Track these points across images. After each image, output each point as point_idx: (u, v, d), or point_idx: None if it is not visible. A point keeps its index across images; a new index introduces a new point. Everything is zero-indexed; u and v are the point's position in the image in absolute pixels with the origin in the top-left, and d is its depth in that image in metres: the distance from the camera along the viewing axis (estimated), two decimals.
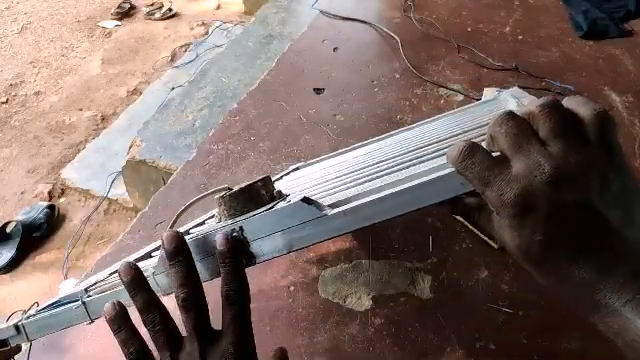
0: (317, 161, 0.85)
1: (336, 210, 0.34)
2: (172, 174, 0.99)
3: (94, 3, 3.03)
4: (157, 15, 2.86)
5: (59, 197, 1.88)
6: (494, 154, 0.31)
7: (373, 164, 0.50)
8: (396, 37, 1.27)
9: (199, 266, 0.38)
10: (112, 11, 2.91)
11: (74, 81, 2.46)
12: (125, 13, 2.90)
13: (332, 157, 0.82)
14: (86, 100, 2.34)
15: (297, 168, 0.86)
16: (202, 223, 0.50)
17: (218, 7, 2.94)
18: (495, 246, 0.77)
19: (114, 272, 0.45)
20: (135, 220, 0.90)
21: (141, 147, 1.37)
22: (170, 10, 2.89)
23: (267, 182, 0.40)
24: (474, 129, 0.52)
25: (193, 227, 0.45)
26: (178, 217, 0.40)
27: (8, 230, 1.72)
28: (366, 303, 0.71)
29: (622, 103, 1.09)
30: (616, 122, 0.31)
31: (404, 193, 0.33)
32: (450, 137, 0.51)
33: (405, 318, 0.69)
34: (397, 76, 1.18)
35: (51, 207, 1.78)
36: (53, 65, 2.57)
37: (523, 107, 0.32)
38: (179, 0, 3.00)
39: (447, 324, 0.69)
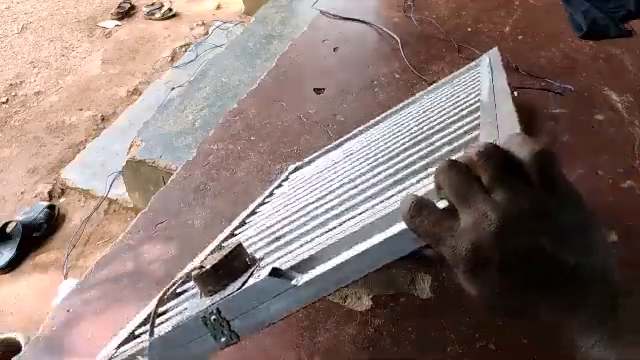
0: (315, 157, 0.84)
1: (304, 280, 0.34)
2: (172, 174, 0.99)
3: (94, 3, 3.02)
4: (157, 15, 2.86)
5: (59, 197, 1.88)
6: (442, 203, 0.31)
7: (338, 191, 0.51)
8: (396, 37, 1.27)
9: (177, 356, 0.38)
10: (112, 11, 2.90)
11: (74, 81, 2.46)
12: (125, 13, 2.90)
13: (328, 152, 0.82)
14: (86, 100, 2.34)
15: (296, 169, 0.86)
16: (180, 293, 0.50)
17: (218, 7, 2.94)
18: None
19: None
20: (135, 220, 0.90)
21: (141, 147, 1.37)
22: (170, 10, 2.89)
23: (239, 250, 0.40)
24: (446, 120, 0.54)
25: (172, 292, 0.44)
26: (161, 301, 0.40)
27: (8, 230, 1.71)
28: (366, 303, 0.71)
29: (622, 103, 1.09)
30: (557, 159, 0.30)
31: (364, 256, 0.33)
32: (423, 134, 0.52)
33: (405, 318, 0.69)
34: (397, 76, 1.18)
35: (51, 207, 1.78)
36: (53, 65, 2.56)
37: (465, 152, 0.31)
38: (179, 0, 3.00)
39: (447, 324, 0.69)
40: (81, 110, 2.29)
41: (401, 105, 0.80)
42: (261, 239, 0.52)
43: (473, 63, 0.74)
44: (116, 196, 1.77)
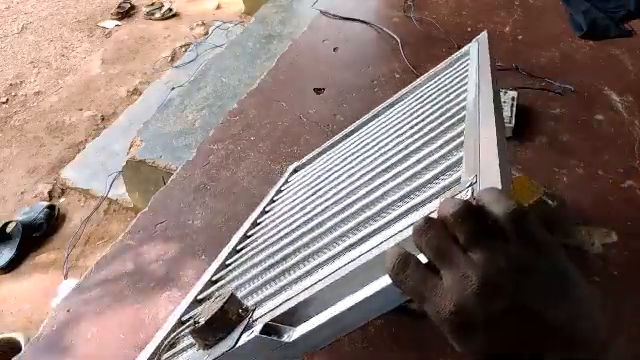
0: (313, 157, 0.84)
1: (295, 337, 0.35)
2: (172, 174, 0.99)
3: (94, 3, 3.02)
4: (157, 15, 2.86)
5: (59, 197, 1.88)
6: (422, 256, 0.31)
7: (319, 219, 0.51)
8: (396, 37, 1.27)
9: None
10: (112, 11, 2.90)
11: (74, 81, 2.46)
12: (125, 13, 2.89)
13: (329, 149, 0.82)
14: (86, 100, 2.34)
15: (295, 170, 0.86)
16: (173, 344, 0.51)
17: (218, 7, 2.94)
18: None
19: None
20: (135, 220, 0.90)
21: (141, 147, 1.37)
22: (170, 10, 2.89)
23: (232, 301, 0.40)
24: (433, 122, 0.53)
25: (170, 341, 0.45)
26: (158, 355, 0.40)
27: (8, 230, 1.71)
28: None
29: (622, 103, 1.09)
30: (529, 217, 0.29)
31: (353, 311, 0.34)
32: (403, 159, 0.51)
33: (405, 318, 0.69)
34: (397, 76, 1.18)
35: (51, 207, 1.78)
36: (53, 65, 2.56)
37: (440, 209, 0.31)
38: (179, 0, 3.00)
39: None
40: (81, 110, 2.29)
41: (388, 102, 0.79)
42: (252, 278, 0.53)
43: (463, 50, 0.73)
44: (116, 196, 1.77)
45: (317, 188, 0.64)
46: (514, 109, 1.02)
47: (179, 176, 0.97)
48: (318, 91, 1.15)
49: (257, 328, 0.36)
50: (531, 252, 0.29)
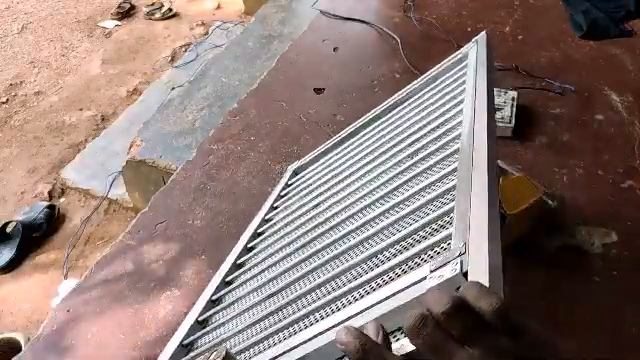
0: (313, 158, 0.84)
1: None
2: (172, 174, 0.99)
3: (94, 3, 3.02)
4: (157, 15, 2.86)
5: (59, 197, 1.88)
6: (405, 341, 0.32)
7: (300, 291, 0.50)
8: (396, 37, 1.27)
9: None
10: (112, 11, 2.90)
11: (74, 81, 2.46)
12: (125, 13, 2.89)
13: (330, 150, 0.82)
14: (86, 100, 2.34)
15: (295, 172, 0.85)
16: None
17: (218, 7, 2.94)
18: None
19: None
20: (135, 220, 0.90)
21: (141, 147, 1.37)
22: (170, 10, 2.89)
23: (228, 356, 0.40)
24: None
25: None
26: None
27: (8, 230, 1.71)
28: None
29: (622, 103, 1.09)
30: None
31: None
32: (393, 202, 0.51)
33: None
34: (397, 76, 1.18)
35: (51, 207, 1.78)
36: (53, 65, 2.56)
37: (429, 304, 0.32)
38: (179, 0, 3.00)
39: None
40: (81, 110, 2.29)
41: (387, 105, 0.78)
42: (245, 328, 0.52)
43: (462, 52, 0.72)
44: (116, 196, 1.77)
45: (311, 214, 0.63)
46: (514, 109, 1.02)
47: (179, 176, 0.97)
48: (318, 91, 1.15)
49: None
50: (521, 344, 0.31)
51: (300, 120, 1.07)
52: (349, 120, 1.06)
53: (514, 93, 1.06)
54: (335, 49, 1.28)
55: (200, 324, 0.59)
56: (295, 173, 0.85)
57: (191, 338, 0.57)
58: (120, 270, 0.82)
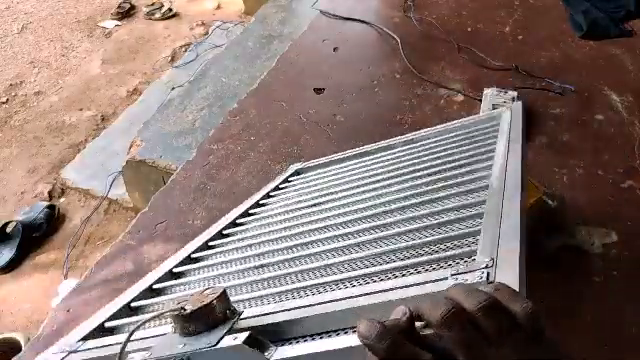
0: (318, 165, 0.84)
1: (275, 357, 0.35)
2: (172, 174, 0.99)
3: (94, 3, 3.02)
4: (157, 15, 2.86)
5: (59, 197, 1.88)
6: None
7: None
8: (396, 37, 1.27)
9: None
10: (112, 11, 2.90)
11: (74, 81, 2.46)
12: (125, 13, 2.89)
13: (334, 162, 0.82)
14: (86, 100, 2.34)
15: (297, 172, 0.85)
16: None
17: (218, 7, 2.94)
18: None
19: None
20: (135, 220, 0.90)
21: (141, 147, 1.37)
22: (170, 10, 2.89)
23: (222, 299, 0.40)
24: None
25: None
26: (131, 335, 0.40)
27: (8, 230, 1.71)
28: None
29: (622, 103, 1.09)
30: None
31: (338, 354, 0.33)
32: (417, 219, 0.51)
33: None
34: (397, 76, 1.18)
35: (51, 207, 1.78)
36: (53, 65, 2.56)
37: (457, 296, 0.31)
38: (179, 0, 3.00)
39: None
40: (81, 110, 2.29)
41: (406, 138, 0.79)
42: (244, 273, 0.53)
43: (494, 113, 0.75)
44: (116, 196, 1.77)
45: (326, 199, 0.63)
46: None
47: (179, 176, 0.97)
48: (318, 91, 1.15)
49: (242, 336, 0.36)
50: (542, 349, 0.31)
51: (300, 120, 1.07)
52: (349, 120, 1.06)
53: (514, 93, 1.06)
54: (335, 49, 1.28)
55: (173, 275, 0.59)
56: (297, 173, 0.85)
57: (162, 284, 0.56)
58: (120, 270, 0.82)
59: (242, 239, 0.62)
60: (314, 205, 0.64)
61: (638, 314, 0.71)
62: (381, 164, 0.72)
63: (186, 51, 2.48)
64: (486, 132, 0.68)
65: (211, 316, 0.39)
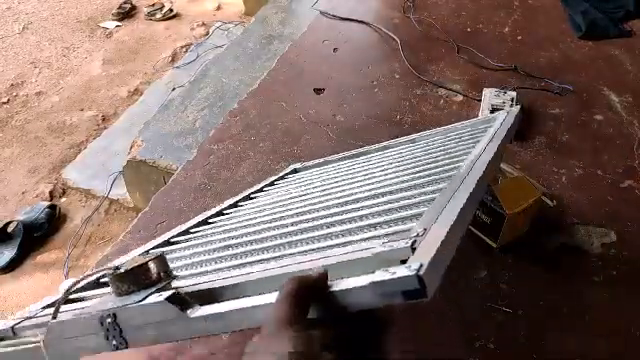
0: (315, 165, 0.85)
1: (196, 314, 0.35)
2: (173, 174, 0.99)
3: (95, 3, 3.03)
4: (158, 16, 2.86)
5: (60, 197, 1.89)
6: None
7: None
8: (396, 37, 1.28)
9: (72, 344, 0.39)
10: (113, 11, 2.91)
11: (75, 81, 2.46)
12: (126, 14, 2.90)
13: (330, 163, 0.83)
14: (87, 100, 2.34)
15: (295, 170, 0.86)
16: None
17: (218, 8, 2.94)
18: (495, 246, 0.78)
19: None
20: (136, 220, 0.90)
21: (142, 147, 1.37)
22: (171, 11, 2.89)
23: (159, 261, 0.41)
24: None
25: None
26: (67, 293, 0.41)
27: (9, 230, 1.72)
28: None
29: (621, 103, 1.09)
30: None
31: (245, 312, 0.34)
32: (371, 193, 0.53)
33: (405, 318, 0.70)
34: (397, 76, 1.18)
35: (52, 207, 1.78)
36: (54, 65, 2.57)
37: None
38: (180, 1, 3.00)
39: (447, 324, 0.69)
40: (82, 110, 2.29)
41: (408, 139, 0.82)
42: (194, 254, 0.54)
43: (492, 116, 0.77)
44: (117, 196, 1.77)
45: (296, 199, 0.65)
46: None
47: (180, 176, 0.97)
48: (318, 91, 1.15)
49: (166, 294, 0.37)
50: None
51: (300, 120, 1.07)
52: (349, 120, 1.07)
53: (513, 93, 1.07)
54: (335, 50, 1.28)
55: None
56: (295, 171, 0.86)
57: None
58: None
59: (221, 226, 0.62)
60: (291, 198, 0.65)
61: (638, 314, 0.71)
62: (367, 163, 0.73)
63: (187, 51, 2.48)
64: (474, 134, 0.69)
65: (145, 277, 0.40)
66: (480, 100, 1.06)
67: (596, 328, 0.69)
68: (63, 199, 1.88)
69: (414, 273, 0.28)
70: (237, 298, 0.36)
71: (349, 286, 0.31)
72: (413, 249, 0.33)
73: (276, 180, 0.81)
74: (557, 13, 1.39)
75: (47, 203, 1.81)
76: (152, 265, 0.40)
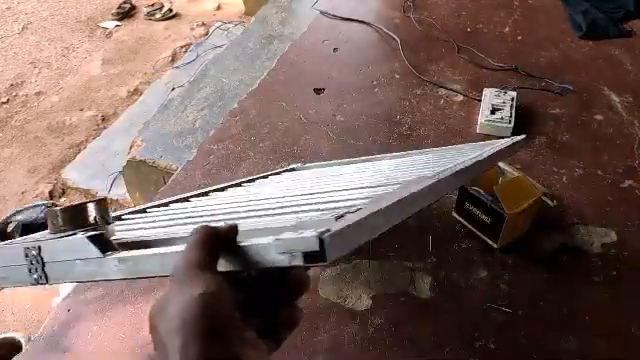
0: (314, 166, 0.86)
1: (112, 256, 0.36)
2: (172, 174, 0.99)
3: (95, 3, 3.03)
4: (157, 15, 2.86)
5: (60, 197, 1.89)
6: None
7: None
8: (396, 37, 1.28)
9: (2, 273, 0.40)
10: (112, 11, 2.91)
11: (75, 81, 2.46)
12: (125, 13, 2.90)
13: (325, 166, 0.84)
14: (87, 100, 2.34)
15: (293, 169, 0.86)
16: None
17: (218, 7, 2.94)
18: (495, 246, 0.78)
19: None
20: None
21: (142, 147, 1.37)
22: (170, 10, 2.89)
23: (98, 205, 0.41)
24: None
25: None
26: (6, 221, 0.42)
27: (9, 230, 1.72)
28: (366, 303, 0.71)
29: (621, 103, 1.09)
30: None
31: (154, 259, 0.34)
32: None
33: (405, 318, 0.70)
34: (397, 76, 1.18)
35: (51, 206, 1.78)
36: (54, 65, 2.57)
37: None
38: (179, 0, 3.00)
39: (447, 324, 0.69)
40: (82, 110, 2.29)
41: (419, 152, 0.82)
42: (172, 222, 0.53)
43: (502, 140, 0.78)
44: (117, 196, 1.77)
45: (269, 189, 0.65)
46: (514, 109, 1.03)
47: (179, 176, 0.97)
48: (318, 91, 1.15)
49: (91, 233, 0.37)
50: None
51: (300, 120, 1.07)
52: (349, 120, 1.06)
53: (513, 93, 1.06)
54: (335, 49, 1.28)
55: None
56: (293, 170, 0.87)
57: None
58: None
59: (195, 204, 0.62)
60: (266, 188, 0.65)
61: (638, 314, 0.71)
62: (355, 168, 0.73)
63: (186, 51, 2.48)
64: (463, 151, 0.69)
65: (81, 218, 0.40)
66: (480, 100, 1.06)
67: (596, 328, 0.69)
68: (63, 199, 1.88)
69: (316, 234, 0.28)
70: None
71: (255, 242, 0.31)
72: (337, 220, 0.32)
73: (271, 175, 0.82)
74: (557, 13, 1.39)
75: (43, 202, 1.80)
76: (90, 207, 0.40)
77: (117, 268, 0.35)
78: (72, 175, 1.92)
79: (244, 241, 0.32)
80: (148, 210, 0.61)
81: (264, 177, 0.80)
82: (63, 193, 1.90)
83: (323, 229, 0.28)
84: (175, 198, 0.66)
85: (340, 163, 0.84)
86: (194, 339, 0.27)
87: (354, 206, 0.40)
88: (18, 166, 2.04)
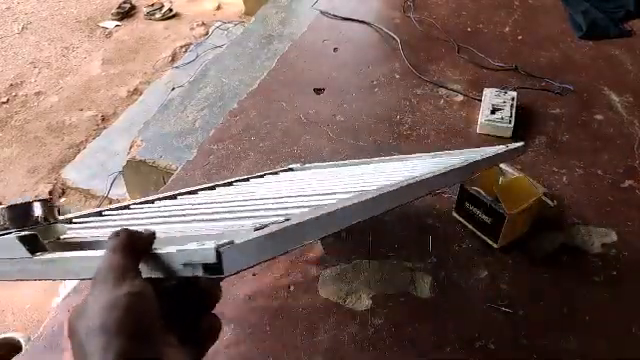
0: (312, 166, 0.86)
1: (38, 258, 0.36)
2: (172, 174, 0.99)
3: (94, 3, 3.03)
4: (157, 15, 2.86)
5: (59, 197, 1.89)
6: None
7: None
8: (396, 37, 1.28)
9: None
10: (112, 11, 2.91)
11: (74, 81, 2.46)
12: (125, 13, 2.90)
13: (323, 167, 0.84)
14: (86, 100, 2.34)
15: (291, 169, 0.86)
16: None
17: (218, 7, 2.94)
18: (495, 246, 0.77)
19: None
20: None
21: (141, 147, 1.37)
22: (170, 10, 2.89)
23: (43, 205, 0.41)
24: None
25: None
26: None
27: None
28: (366, 303, 0.71)
29: (621, 103, 1.09)
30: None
31: (78, 261, 0.34)
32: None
33: (405, 318, 0.69)
34: (397, 76, 1.18)
35: (45, 201, 1.78)
36: (53, 65, 2.57)
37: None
38: (179, 0, 3.00)
39: (447, 324, 0.69)
40: (81, 110, 2.29)
41: (417, 156, 0.82)
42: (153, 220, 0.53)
43: (504, 146, 0.77)
44: (116, 196, 1.77)
45: (262, 191, 0.64)
46: (514, 109, 1.03)
47: (179, 176, 0.97)
48: (318, 91, 1.15)
49: (23, 233, 0.37)
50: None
51: (300, 120, 1.07)
52: (349, 120, 1.06)
53: (514, 93, 1.06)
54: (335, 49, 1.28)
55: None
56: (290, 169, 0.87)
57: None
58: None
59: (165, 204, 0.61)
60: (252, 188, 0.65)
61: (638, 314, 0.71)
62: (348, 171, 0.73)
63: (186, 51, 2.48)
64: (454, 156, 0.69)
65: (25, 216, 0.40)
66: (480, 100, 1.06)
67: (596, 328, 0.69)
68: (62, 199, 1.88)
69: (214, 247, 0.28)
70: None
71: (165, 251, 0.31)
72: (255, 230, 0.32)
73: (268, 174, 0.82)
74: (557, 13, 1.39)
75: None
76: (36, 206, 0.40)
77: (43, 269, 0.35)
78: (72, 175, 1.92)
79: (159, 249, 0.32)
80: (131, 207, 0.61)
81: (260, 176, 0.80)
82: (63, 193, 1.90)
83: (225, 241, 0.28)
84: (162, 195, 0.65)
85: (337, 165, 0.83)
86: (117, 338, 0.27)
87: (288, 215, 0.38)
88: (18, 166, 2.03)
